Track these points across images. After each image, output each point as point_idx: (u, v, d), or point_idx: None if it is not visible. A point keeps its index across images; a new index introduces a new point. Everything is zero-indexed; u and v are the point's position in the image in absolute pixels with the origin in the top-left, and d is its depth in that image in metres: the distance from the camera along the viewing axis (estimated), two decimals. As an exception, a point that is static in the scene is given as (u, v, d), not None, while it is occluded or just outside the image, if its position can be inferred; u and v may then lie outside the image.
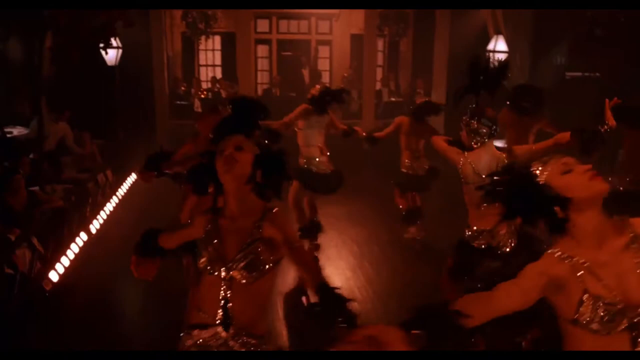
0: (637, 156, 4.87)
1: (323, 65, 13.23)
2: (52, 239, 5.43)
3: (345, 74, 13.14)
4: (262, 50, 12.77)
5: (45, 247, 5.21)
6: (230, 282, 1.95)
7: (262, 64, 12.89)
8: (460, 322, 1.54)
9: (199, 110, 11.16)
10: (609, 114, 3.75)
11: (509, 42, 9.62)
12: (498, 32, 9.67)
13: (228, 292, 1.94)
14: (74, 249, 5.48)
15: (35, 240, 5.09)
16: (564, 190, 1.59)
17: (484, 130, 3.34)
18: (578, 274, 1.56)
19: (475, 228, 3.39)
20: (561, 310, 1.59)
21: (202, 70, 12.89)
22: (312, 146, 5.26)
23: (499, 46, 9.36)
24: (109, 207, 7.08)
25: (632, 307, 1.50)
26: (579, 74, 11.69)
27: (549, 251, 1.63)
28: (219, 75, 12.71)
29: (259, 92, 12.35)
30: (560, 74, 11.92)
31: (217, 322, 1.95)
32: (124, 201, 7.68)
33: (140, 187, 8.45)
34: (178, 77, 12.24)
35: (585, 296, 1.52)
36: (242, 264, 1.93)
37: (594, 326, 1.50)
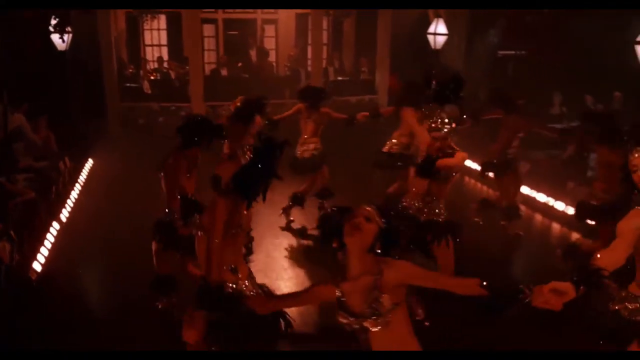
0: (509, 139, 5.90)
1: (269, 44, 13.41)
2: (26, 230, 5.54)
3: (292, 53, 13.39)
4: (208, 29, 12.74)
5: (20, 238, 5.34)
6: (365, 330, 2.23)
7: (209, 43, 12.88)
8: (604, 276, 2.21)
9: (149, 92, 11.14)
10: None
11: (447, 24, 10.20)
12: (438, 16, 10.24)
13: (366, 338, 2.26)
14: (49, 238, 5.62)
15: (12, 233, 5.23)
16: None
17: None
18: None
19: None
20: None
21: (148, 50, 12.72)
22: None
23: (439, 29, 9.95)
24: (74, 194, 7.16)
25: None
26: (512, 52, 12.56)
27: (637, 208, 2.57)
28: (165, 55, 12.63)
29: (207, 71, 12.39)
30: (494, 52, 12.77)
31: None
32: (85, 188, 7.74)
33: (99, 173, 8.52)
34: (124, 58, 12.05)
35: None
36: (369, 315, 2.18)
37: None
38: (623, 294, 2.68)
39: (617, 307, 2.67)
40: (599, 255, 2.34)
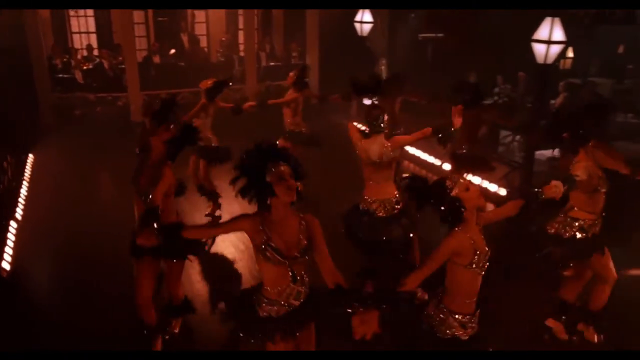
0: (393, 117, 6.74)
1: (200, 30, 13.55)
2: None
3: (223, 38, 13.62)
4: (137, 15, 12.66)
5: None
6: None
7: (139, 30, 12.81)
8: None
9: (82, 82, 11.07)
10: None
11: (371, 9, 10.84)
12: (363, 4, 10.85)
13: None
14: (10, 237, 5.85)
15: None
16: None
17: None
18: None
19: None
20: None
21: (76, 38, 12.51)
22: None
23: (365, 17, 10.61)
24: (23, 191, 7.29)
25: None
26: (431, 35, 13.47)
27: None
28: (94, 42, 12.48)
29: (139, 58, 12.39)
30: (414, 35, 13.64)
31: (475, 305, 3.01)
32: (32, 183, 7.84)
33: (42, 167, 8.58)
34: (53, 47, 11.76)
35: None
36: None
37: None
38: (562, 218, 3.93)
39: (553, 230, 3.96)
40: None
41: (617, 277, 4.11)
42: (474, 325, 3.04)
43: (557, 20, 5.89)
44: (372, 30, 11.53)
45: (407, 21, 13.14)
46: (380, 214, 4.55)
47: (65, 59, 11.37)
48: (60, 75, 11.02)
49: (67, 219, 6.59)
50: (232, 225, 2.93)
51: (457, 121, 5.37)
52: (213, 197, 6.62)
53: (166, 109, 4.65)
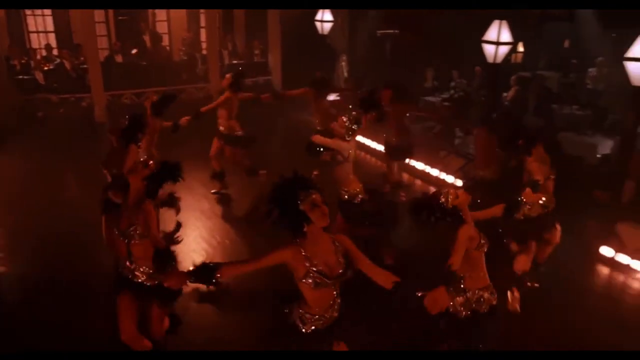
0: (324, 116, 7.20)
1: (161, 28, 13.54)
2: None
3: (185, 37, 13.67)
4: (98, 14, 12.56)
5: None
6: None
7: (99, 29, 12.70)
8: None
9: (43, 83, 10.97)
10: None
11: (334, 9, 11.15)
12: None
13: None
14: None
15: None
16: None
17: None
18: None
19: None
20: None
21: (34, 37, 12.32)
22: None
23: (325, 17, 10.91)
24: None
25: None
26: (390, 31, 13.86)
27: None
28: (52, 42, 12.33)
29: (100, 58, 12.33)
30: (372, 32, 14.00)
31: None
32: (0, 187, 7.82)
33: (6, 171, 8.54)
34: (7, 47, 11.57)
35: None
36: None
37: None
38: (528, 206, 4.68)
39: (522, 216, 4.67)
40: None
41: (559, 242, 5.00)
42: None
43: (504, 23, 6.34)
44: (333, 29, 11.84)
45: (366, 19, 13.49)
46: (366, 196, 5.27)
47: (24, 60, 11.21)
48: (20, 77, 10.87)
49: (34, 220, 6.63)
50: (273, 257, 2.99)
51: (386, 100, 6.52)
52: (173, 201, 6.74)
53: (133, 127, 4.89)
